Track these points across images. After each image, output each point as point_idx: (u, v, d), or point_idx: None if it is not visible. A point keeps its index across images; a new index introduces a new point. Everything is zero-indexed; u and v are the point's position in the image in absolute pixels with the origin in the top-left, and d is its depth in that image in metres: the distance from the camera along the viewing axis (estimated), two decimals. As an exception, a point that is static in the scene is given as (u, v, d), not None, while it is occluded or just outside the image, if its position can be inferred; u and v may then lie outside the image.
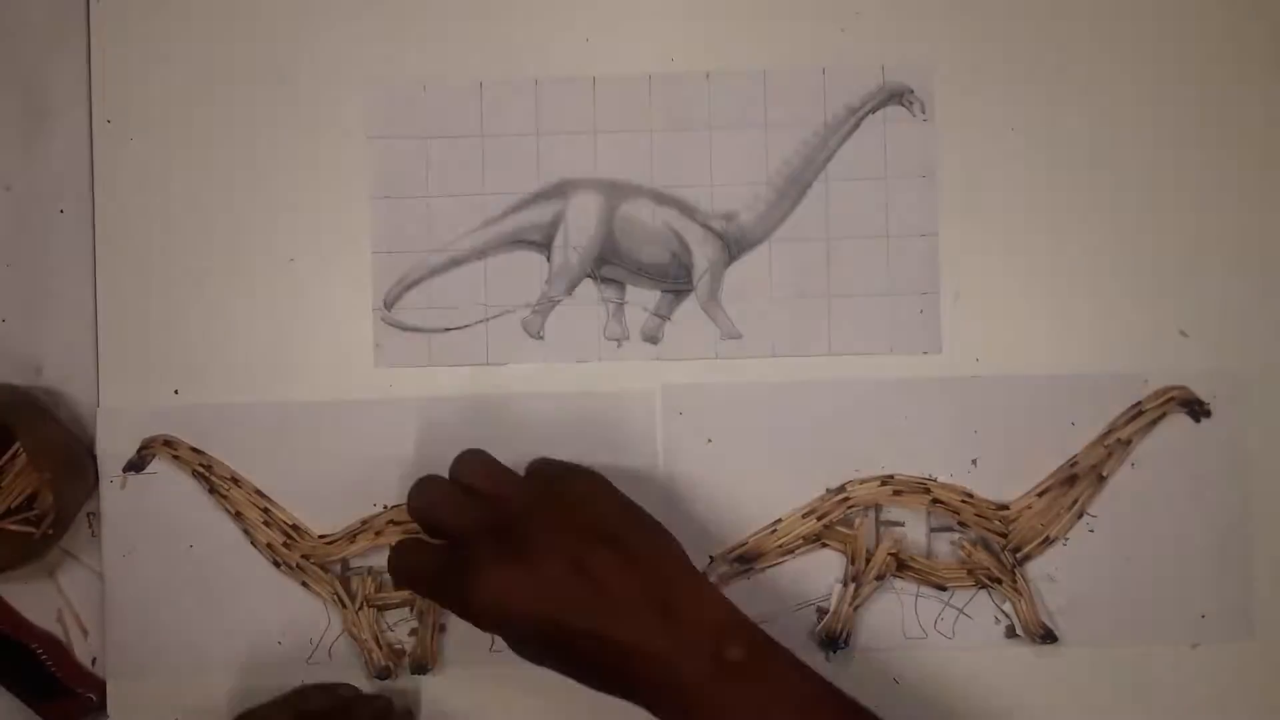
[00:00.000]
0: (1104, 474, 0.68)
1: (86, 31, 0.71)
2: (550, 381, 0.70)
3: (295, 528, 0.69)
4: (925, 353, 0.69)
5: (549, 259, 0.70)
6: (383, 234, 0.70)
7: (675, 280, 0.70)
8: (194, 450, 0.69)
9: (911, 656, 0.69)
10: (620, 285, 0.70)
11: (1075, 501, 0.68)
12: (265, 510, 0.69)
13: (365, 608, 0.68)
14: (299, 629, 0.69)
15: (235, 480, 0.69)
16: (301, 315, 0.70)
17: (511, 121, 0.70)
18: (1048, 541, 0.68)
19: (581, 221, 0.70)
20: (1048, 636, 0.68)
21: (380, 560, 0.69)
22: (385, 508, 0.69)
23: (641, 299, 0.70)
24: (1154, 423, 0.68)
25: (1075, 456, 0.68)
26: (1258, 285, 0.69)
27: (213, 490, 0.69)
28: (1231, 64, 0.70)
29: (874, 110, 0.70)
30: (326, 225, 0.70)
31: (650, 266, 0.70)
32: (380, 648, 0.68)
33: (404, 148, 0.70)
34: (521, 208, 0.70)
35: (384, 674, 0.68)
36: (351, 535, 0.69)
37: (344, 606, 0.68)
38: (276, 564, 0.69)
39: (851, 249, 0.69)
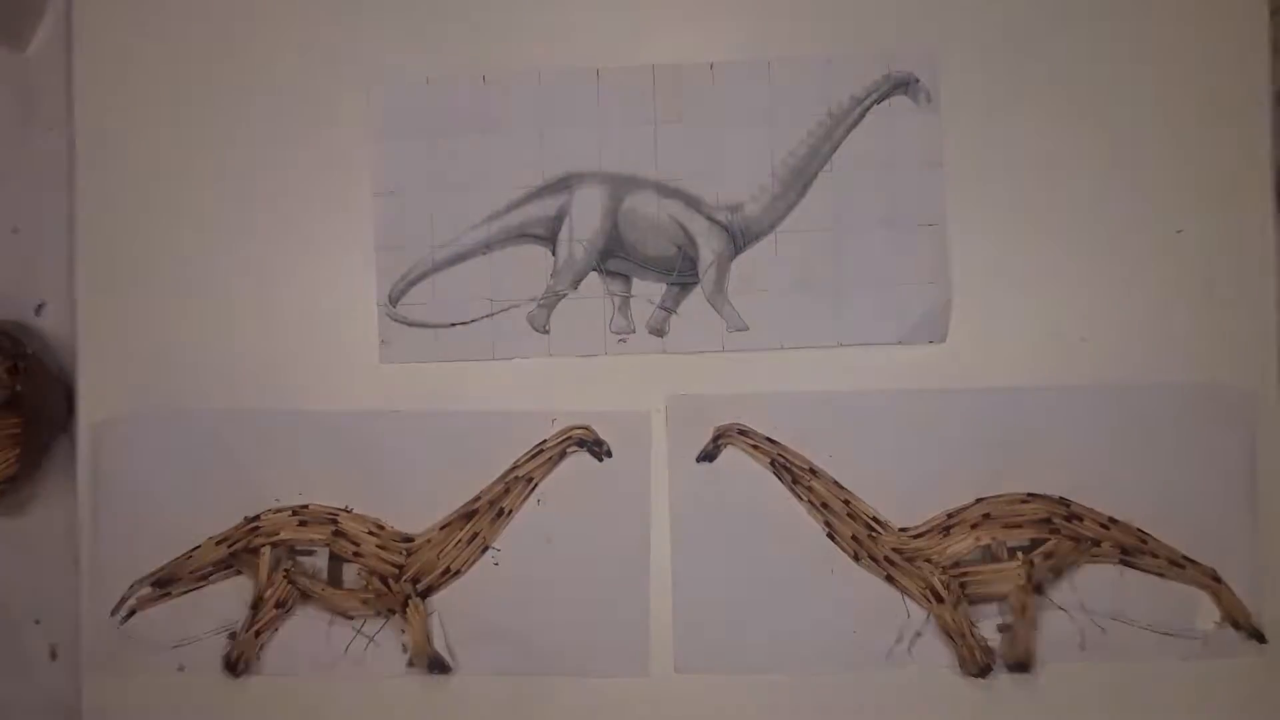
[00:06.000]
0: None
1: (68, 31, 0.70)
2: (556, 376, 0.69)
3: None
4: (930, 341, 0.69)
5: (554, 253, 0.70)
6: (386, 230, 0.70)
7: (681, 273, 0.70)
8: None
9: None
10: (626, 279, 0.70)
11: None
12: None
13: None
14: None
15: None
16: (305, 312, 0.70)
17: (515, 115, 0.70)
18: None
19: (586, 215, 0.69)
20: None
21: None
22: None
23: (647, 292, 0.70)
24: None
25: None
26: None
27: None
28: (1234, 61, 0.69)
29: (879, 100, 0.69)
30: (329, 222, 0.70)
31: (656, 259, 0.70)
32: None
33: (407, 143, 0.70)
34: (526, 201, 0.70)
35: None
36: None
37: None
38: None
39: (857, 239, 0.69)
